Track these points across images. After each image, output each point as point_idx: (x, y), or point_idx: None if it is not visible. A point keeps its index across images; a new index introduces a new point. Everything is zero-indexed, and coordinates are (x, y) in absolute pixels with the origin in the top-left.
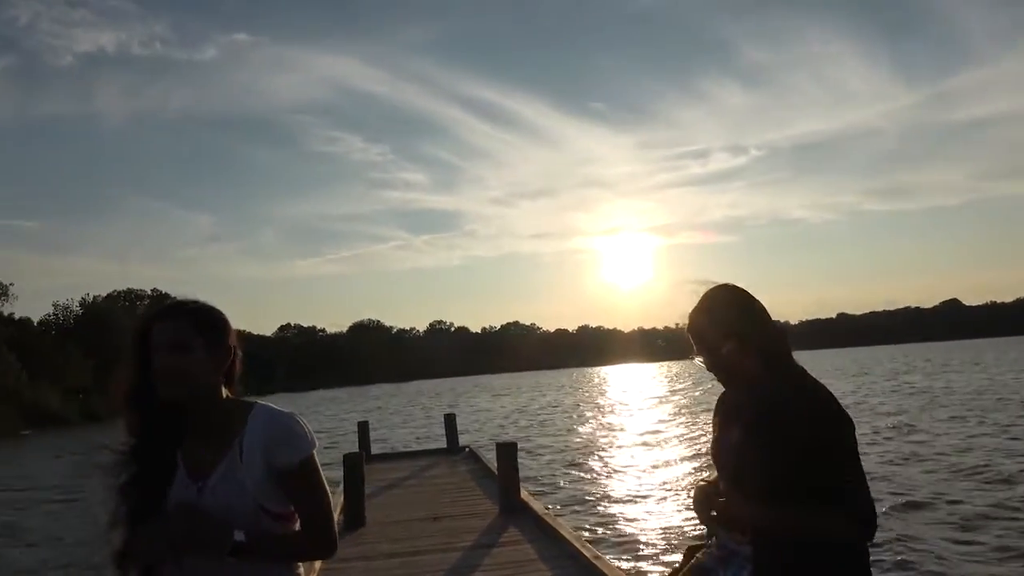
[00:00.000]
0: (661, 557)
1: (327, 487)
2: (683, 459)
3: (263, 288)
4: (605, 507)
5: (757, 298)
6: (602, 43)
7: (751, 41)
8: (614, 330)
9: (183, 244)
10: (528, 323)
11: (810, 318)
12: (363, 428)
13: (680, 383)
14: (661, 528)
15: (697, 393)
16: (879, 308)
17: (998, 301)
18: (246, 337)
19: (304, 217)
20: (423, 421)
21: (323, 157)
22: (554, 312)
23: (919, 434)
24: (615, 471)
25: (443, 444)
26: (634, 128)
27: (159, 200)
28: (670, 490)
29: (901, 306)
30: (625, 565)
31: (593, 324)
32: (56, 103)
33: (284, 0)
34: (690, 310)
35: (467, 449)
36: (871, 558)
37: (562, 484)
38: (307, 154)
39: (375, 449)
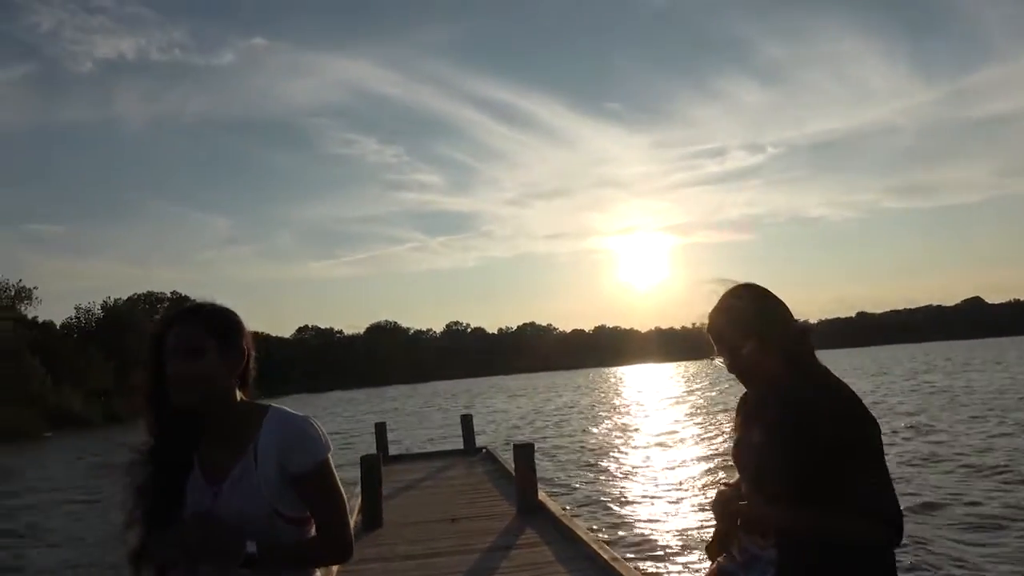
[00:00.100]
0: (677, 559)
1: (342, 491)
2: (699, 459)
3: (281, 290)
4: (621, 508)
5: (778, 296)
6: (617, 43)
7: (768, 38)
8: (631, 330)
9: (202, 247)
10: (544, 324)
11: (829, 317)
12: (380, 429)
13: (697, 383)
14: (678, 529)
15: (713, 393)
16: (899, 307)
17: (1022, 299)
18: (264, 339)
19: (320, 219)
20: (440, 422)
21: (339, 159)
22: (570, 312)
23: (937, 434)
24: (631, 472)
25: (460, 445)
26: (650, 127)
27: (178, 204)
28: (686, 491)
29: (922, 304)
30: (642, 567)
31: (610, 324)
32: (77, 109)
33: (300, 4)
34: (709, 310)
35: (484, 450)
36: None
37: (578, 485)
38: (323, 157)
39: (392, 450)
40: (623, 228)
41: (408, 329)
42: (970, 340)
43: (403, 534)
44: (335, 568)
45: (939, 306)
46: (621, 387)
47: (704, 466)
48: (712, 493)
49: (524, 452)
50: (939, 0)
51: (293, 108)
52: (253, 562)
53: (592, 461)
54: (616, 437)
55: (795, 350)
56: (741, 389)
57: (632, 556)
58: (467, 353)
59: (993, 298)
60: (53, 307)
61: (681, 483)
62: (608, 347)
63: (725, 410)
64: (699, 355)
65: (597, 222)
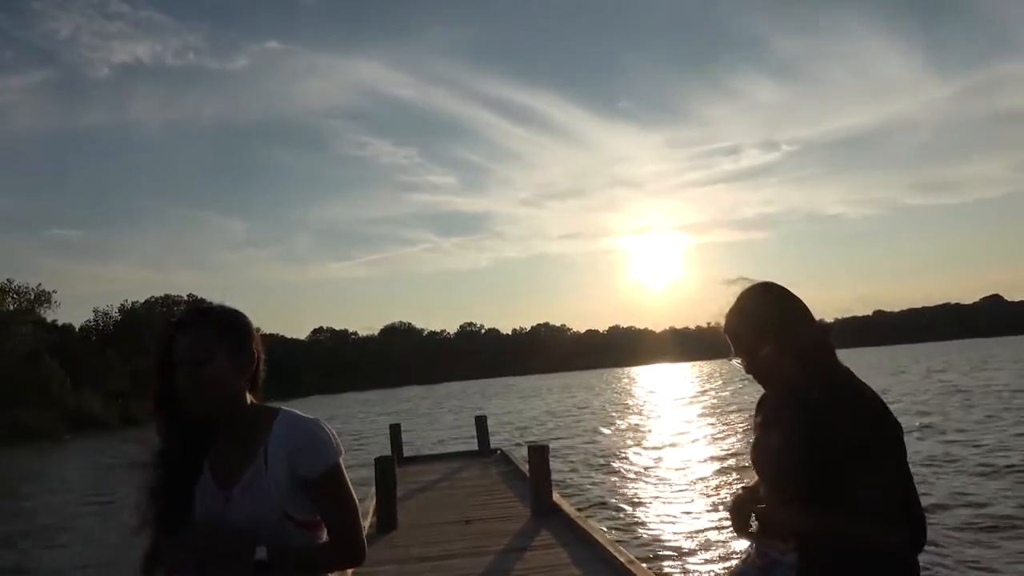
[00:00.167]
0: (692, 560)
1: (354, 494)
2: (713, 460)
3: (296, 292)
4: (634, 509)
5: (797, 295)
6: (630, 41)
7: (782, 35)
8: (645, 330)
9: (218, 250)
10: (558, 324)
11: (847, 315)
12: (395, 431)
13: (711, 383)
14: (692, 531)
15: (727, 393)
16: (918, 304)
17: None
18: (280, 341)
19: (335, 221)
20: (454, 423)
21: (353, 161)
22: (584, 312)
23: (952, 433)
24: (644, 472)
25: (474, 446)
26: (663, 126)
27: (195, 207)
28: (700, 492)
29: (940, 302)
30: (656, 568)
31: (624, 324)
32: (95, 114)
33: (313, 8)
34: (726, 310)
35: (498, 451)
36: None
37: (591, 486)
38: (337, 159)
39: (406, 451)
40: (637, 228)
41: (422, 330)
42: (989, 338)
43: (418, 536)
44: (349, 572)
45: (957, 304)
46: (635, 387)
47: (717, 466)
48: (726, 493)
49: (539, 453)
50: None
51: (307, 111)
52: (264, 568)
53: (605, 462)
54: (629, 438)
55: (813, 351)
56: (755, 388)
57: (645, 557)
58: (481, 354)
59: (1013, 295)
60: (72, 311)
61: (694, 483)
62: (622, 347)
63: (739, 410)
64: (714, 355)
65: (611, 222)
